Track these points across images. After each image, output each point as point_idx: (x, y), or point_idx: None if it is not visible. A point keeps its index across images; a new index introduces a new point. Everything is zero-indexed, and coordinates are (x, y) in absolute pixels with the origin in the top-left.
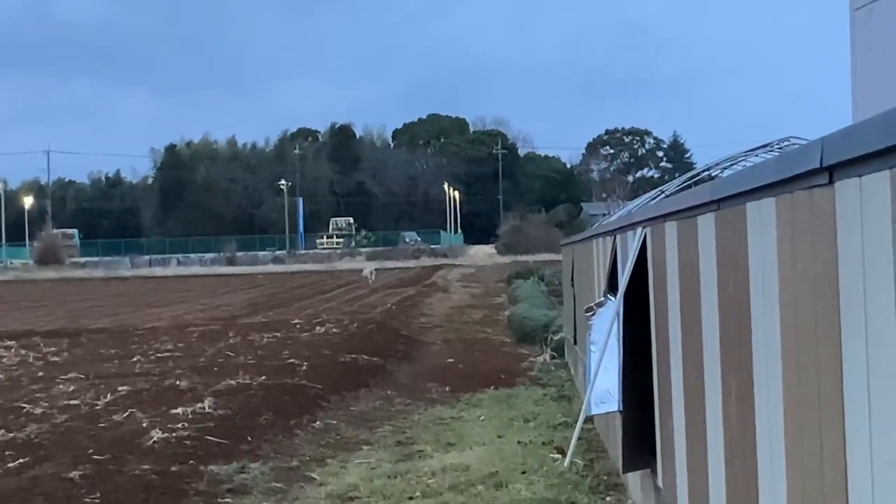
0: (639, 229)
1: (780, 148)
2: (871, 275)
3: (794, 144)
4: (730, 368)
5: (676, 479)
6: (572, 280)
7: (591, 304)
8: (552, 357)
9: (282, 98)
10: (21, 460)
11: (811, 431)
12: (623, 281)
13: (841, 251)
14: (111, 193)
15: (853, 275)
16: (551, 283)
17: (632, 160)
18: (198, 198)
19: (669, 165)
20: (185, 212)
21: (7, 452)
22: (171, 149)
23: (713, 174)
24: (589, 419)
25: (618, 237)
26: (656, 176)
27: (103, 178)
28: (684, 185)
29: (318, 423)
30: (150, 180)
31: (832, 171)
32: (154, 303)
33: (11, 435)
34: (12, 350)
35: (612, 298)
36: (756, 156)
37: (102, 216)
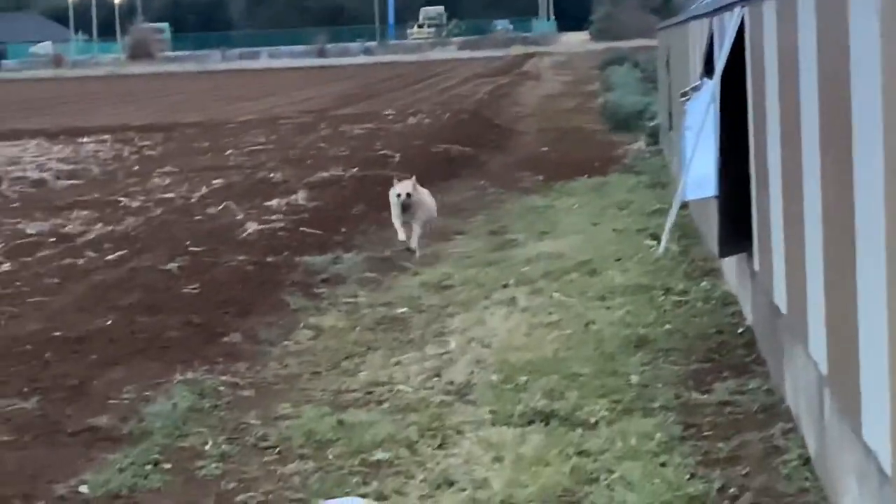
0: (736, 10)
1: None
2: None
3: None
4: (829, 149)
5: (773, 262)
6: (668, 65)
7: (687, 89)
8: (647, 144)
9: None
10: (119, 253)
11: None
12: (720, 63)
13: None
14: None
15: None
16: (646, 70)
17: None
18: None
19: None
20: (273, 4)
21: (105, 245)
22: None
23: None
24: (684, 205)
25: (714, 19)
26: None
27: None
28: None
29: None
30: None
31: None
32: (245, 96)
33: (109, 228)
34: (107, 144)
35: (709, 81)
36: None
37: (191, 10)
